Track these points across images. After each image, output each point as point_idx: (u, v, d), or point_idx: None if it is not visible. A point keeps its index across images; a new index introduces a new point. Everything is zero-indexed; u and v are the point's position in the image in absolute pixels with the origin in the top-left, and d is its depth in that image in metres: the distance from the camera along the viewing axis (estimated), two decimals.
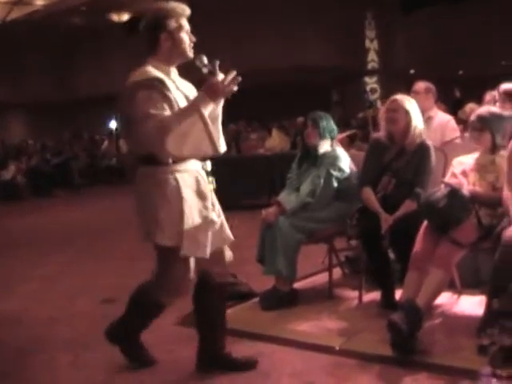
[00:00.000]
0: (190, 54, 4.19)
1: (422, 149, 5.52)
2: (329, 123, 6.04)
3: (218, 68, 4.01)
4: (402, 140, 5.56)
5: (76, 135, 25.93)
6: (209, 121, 4.02)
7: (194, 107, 4.02)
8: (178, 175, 4.10)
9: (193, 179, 4.18)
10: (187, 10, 4.20)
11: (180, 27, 4.16)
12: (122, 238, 9.95)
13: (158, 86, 4.02)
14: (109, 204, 15.95)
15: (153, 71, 4.09)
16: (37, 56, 28.60)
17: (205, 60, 4.01)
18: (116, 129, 24.98)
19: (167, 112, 4.00)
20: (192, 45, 4.20)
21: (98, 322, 5.52)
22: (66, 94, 28.83)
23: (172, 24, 4.13)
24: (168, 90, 4.05)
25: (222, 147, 4.20)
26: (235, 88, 4.02)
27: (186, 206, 4.08)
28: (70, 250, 9.65)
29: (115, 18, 25.26)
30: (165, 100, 4.02)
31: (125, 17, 25.39)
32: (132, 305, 4.53)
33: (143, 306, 4.48)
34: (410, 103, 5.60)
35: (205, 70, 4.02)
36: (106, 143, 24.49)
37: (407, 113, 5.53)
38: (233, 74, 4.01)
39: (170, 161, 4.08)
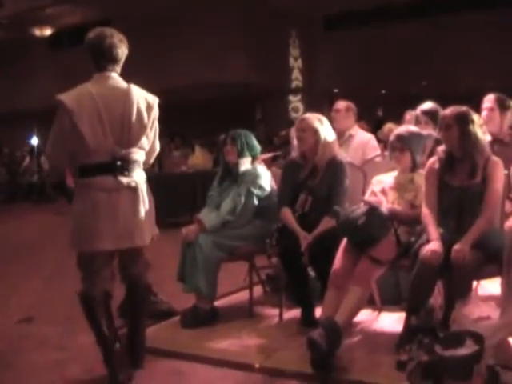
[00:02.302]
0: None
1: (334, 164, 5.56)
2: (249, 141, 6.03)
3: None
4: (313, 158, 5.60)
5: None
6: None
7: None
8: None
9: None
10: None
11: None
12: (38, 257, 9.75)
13: None
14: (27, 222, 15.63)
15: None
16: None
17: None
18: (37, 145, 24.56)
19: None
20: None
21: (16, 342, 5.43)
22: None
23: None
24: None
25: None
26: None
27: None
28: None
29: (37, 32, 24.93)
30: None
31: (47, 31, 25.08)
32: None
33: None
34: (318, 122, 5.62)
35: None
36: (27, 160, 24.05)
37: (315, 131, 5.56)
38: None
39: None
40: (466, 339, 3.89)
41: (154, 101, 4.53)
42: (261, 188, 5.91)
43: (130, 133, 4.37)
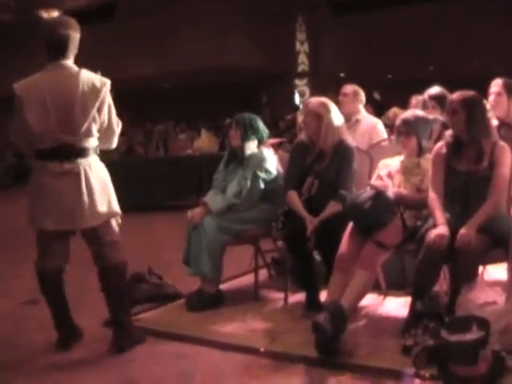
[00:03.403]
0: None
1: (343, 148, 5.53)
2: (254, 124, 5.98)
3: None
4: (319, 142, 5.57)
5: (1, 133, 25.31)
6: None
7: None
8: None
9: None
10: None
11: None
12: None
13: None
14: None
15: None
16: None
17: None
18: None
19: None
20: None
21: (21, 324, 5.44)
22: None
23: None
24: None
25: None
26: None
27: None
28: None
29: (45, 14, 24.84)
30: None
31: (54, 14, 25.00)
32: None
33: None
34: (322, 106, 5.57)
35: None
36: None
37: (318, 116, 5.52)
38: None
39: None
40: (471, 324, 3.88)
41: (104, 84, 4.68)
42: (267, 171, 5.89)
43: (73, 120, 4.58)
